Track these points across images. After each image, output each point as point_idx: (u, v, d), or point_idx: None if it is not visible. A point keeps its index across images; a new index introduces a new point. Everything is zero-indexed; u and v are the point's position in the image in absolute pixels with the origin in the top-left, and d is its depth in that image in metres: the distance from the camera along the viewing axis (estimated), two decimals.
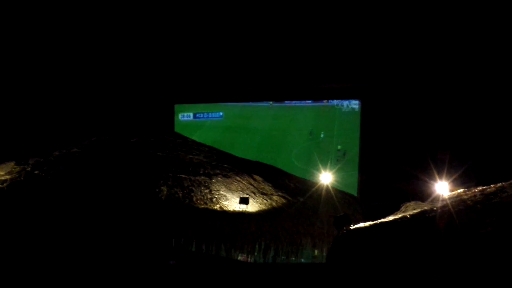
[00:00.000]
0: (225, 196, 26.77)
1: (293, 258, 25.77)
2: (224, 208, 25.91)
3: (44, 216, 22.31)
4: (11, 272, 16.92)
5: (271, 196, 28.04)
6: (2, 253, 18.53)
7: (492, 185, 16.86)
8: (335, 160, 37.81)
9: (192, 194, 26.40)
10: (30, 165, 27.27)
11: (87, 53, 40.40)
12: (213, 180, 27.72)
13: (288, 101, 43.40)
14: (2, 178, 26.05)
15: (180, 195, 26.11)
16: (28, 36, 39.04)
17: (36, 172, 26.77)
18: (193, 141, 32.96)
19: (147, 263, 19.09)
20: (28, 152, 29.20)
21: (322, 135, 41.57)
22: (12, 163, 27.69)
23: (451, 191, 20.36)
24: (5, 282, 16.16)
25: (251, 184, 28.47)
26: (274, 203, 27.49)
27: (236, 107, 43.30)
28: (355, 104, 39.83)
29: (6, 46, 38.23)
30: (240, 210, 25.66)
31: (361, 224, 18.71)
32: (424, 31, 36.11)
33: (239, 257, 24.75)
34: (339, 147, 40.76)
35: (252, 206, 26.36)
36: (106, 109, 39.62)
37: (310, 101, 42.38)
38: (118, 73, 40.97)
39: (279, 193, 28.45)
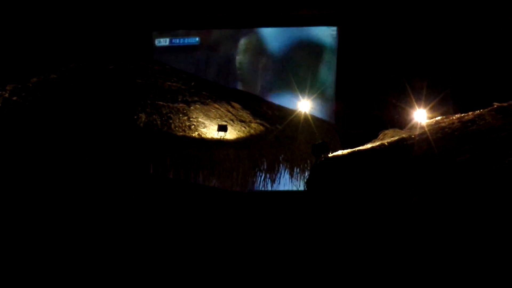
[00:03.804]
0: (203, 123, 26.75)
1: (272, 186, 25.93)
2: (203, 136, 25.91)
3: (23, 143, 22.26)
4: None
5: (250, 123, 28.03)
6: None
7: (470, 113, 16.93)
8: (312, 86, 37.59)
9: (171, 121, 26.35)
10: (7, 91, 27.06)
11: None
12: (192, 108, 27.64)
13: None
14: None
15: (159, 122, 26.06)
16: None
17: (14, 98, 26.60)
18: (172, 67, 32.74)
19: (125, 191, 19.12)
20: (5, 78, 28.96)
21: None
22: None
23: (429, 118, 20.46)
24: None
25: (229, 112, 28.43)
26: (252, 131, 27.50)
27: (212, 32, 42.95)
28: (332, 30, 39.53)
29: None
30: (219, 137, 25.68)
31: (339, 152, 18.82)
32: None
33: (217, 185, 24.83)
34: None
35: (231, 134, 26.37)
36: (84, 36, 39.19)
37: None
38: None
39: (258, 121, 28.43)
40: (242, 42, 41.22)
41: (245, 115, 28.72)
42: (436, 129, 16.77)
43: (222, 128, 25.88)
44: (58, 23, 39.59)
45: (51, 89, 27.80)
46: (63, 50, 36.93)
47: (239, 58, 41.19)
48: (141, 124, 25.63)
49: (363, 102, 35.38)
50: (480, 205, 11.71)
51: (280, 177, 26.33)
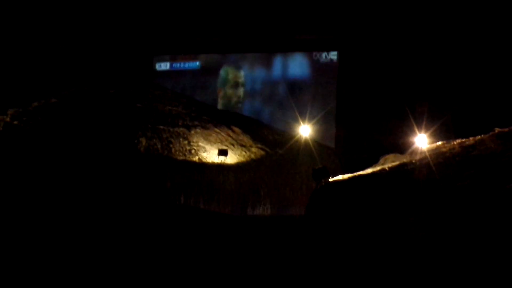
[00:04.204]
0: (204, 147, 26.76)
1: (272, 210, 25.87)
2: (203, 160, 25.92)
3: (23, 167, 22.27)
4: None
5: (250, 148, 28.05)
6: None
7: (471, 138, 16.96)
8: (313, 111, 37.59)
9: (171, 145, 26.37)
10: (9, 116, 27.14)
11: (67, 4, 40.05)
12: (192, 132, 27.67)
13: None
14: None
15: (159, 146, 26.08)
16: None
17: (15, 122, 26.66)
18: (172, 91, 32.87)
19: (126, 215, 19.10)
20: (7, 102, 29.05)
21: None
22: None
23: (430, 143, 20.47)
24: None
25: (230, 136, 28.47)
26: (253, 155, 27.51)
27: (212, 57, 43.06)
28: (333, 55, 39.61)
29: None
30: (219, 162, 25.68)
31: (340, 177, 18.80)
32: None
33: (218, 209, 24.78)
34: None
35: (231, 158, 26.37)
36: (85, 60, 39.35)
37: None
38: (97, 24, 40.67)
39: (258, 145, 28.46)
40: (245, 68, 41.46)
41: (246, 139, 28.75)
42: (436, 154, 16.78)
43: (223, 153, 25.89)
44: (59, 48, 39.76)
45: (52, 114, 27.87)
46: (64, 75, 37.06)
47: (241, 83, 41.40)
48: (142, 149, 25.65)
49: (363, 127, 35.39)
50: (480, 230, 11.70)
51: (280, 202, 26.27)
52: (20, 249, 15.16)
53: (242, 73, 41.69)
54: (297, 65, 40.62)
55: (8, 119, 26.81)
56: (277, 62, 41.18)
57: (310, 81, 40.13)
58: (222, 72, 42.02)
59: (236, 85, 41.75)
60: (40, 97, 29.54)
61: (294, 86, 40.33)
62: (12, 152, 23.83)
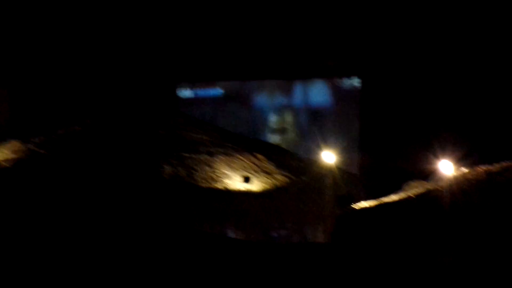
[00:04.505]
0: (227, 175, 26.81)
1: (296, 237, 25.82)
2: (227, 187, 25.96)
3: (49, 195, 22.38)
4: (15, 252, 16.95)
5: (274, 175, 28.06)
6: (6, 231, 18.58)
7: (496, 164, 16.88)
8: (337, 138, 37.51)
9: (195, 172, 26.45)
10: (34, 144, 27.35)
11: (90, 33, 40.35)
12: (216, 159, 27.74)
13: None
14: (8, 156, 26.17)
15: (183, 174, 26.16)
16: (30, 14, 39.03)
17: (41, 150, 26.86)
18: (196, 119, 32.99)
19: (151, 243, 19.13)
20: (32, 130, 29.29)
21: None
22: (17, 142, 27.79)
23: (455, 170, 20.39)
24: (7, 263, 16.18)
25: (253, 163, 28.50)
26: (277, 182, 27.51)
27: (235, 84, 43.12)
28: (355, 81, 39.58)
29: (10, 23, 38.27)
30: (243, 189, 25.70)
31: (364, 204, 18.76)
32: (427, 5, 35.96)
33: (242, 237, 24.77)
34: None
35: (255, 185, 26.40)
36: (108, 88, 39.58)
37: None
38: (121, 52, 40.93)
39: (282, 172, 28.47)
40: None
41: (270, 166, 28.76)
42: (462, 181, 16.71)
43: (247, 180, 25.91)
44: (83, 76, 40.03)
45: (76, 142, 28.06)
46: (88, 102, 37.29)
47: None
48: (166, 176, 25.72)
49: (387, 153, 35.28)
50: (505, 257, 11.66)
51: (305, 229, 26.23)
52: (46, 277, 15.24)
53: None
54: (319, 92, 40.62)
55: (33, 147, 27.02)
56: (298, 89, 41.20)
57: (332, 107, 40.10)
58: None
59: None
60: (64, 125, 29.76)
61: (316, 113, 40.31)
62: (37, 179, 23.97)
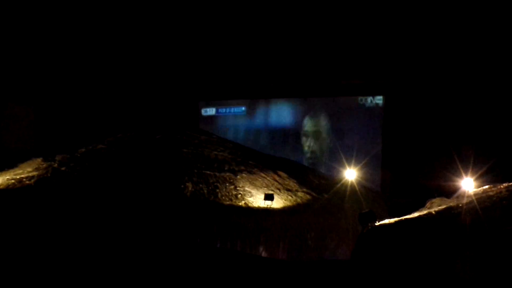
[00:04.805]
0: (250, 192, 26.85)
1: (318, 255, 25.78)
2: (249, 205, 25.98)
3: (71, 213, 22.49)
4: (35, 266, 17.06)
5: (296, 192, 28.08)
6: (27, 247, 18.69)
7: None
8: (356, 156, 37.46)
9: (217, 190, 26.49)
10: (57, 162, 27.55)
11: (112, 50, 40.65)
12: (238, 177, 27.80)
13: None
14: (30, 174, 26.33)
15: (205, 191, 26.21)
16: (56, 27, 39.42)
17: (63, 168, 27.04)
18: (218, 137, 33.11)
19: (173, 260, 19.18)
20: (55, 148, 29.49)
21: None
22: (39, 159, 28.00)
23: (477, 187, 20.33)
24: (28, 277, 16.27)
25: (276, 181, 28.55)
26: (299, 199, 27.52)
27: (258, 102, 43.22)
28: (378, 99, 39.61)
29: (32, 39, 38.65)
30: (265, 206, 25.71)
31: (386, 221, 18.73)
32: (449, 24, 35.97)
33: (264, 254, 24.77)
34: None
35: (277, 203, 26.41)
36: (131, 106, 39.84)
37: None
38: (142, 70, 41.21)
39: (304, 189, 28.49)
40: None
41: (292, 184, 28.79)
42: (483, 198, 16.68)
43: (269, 197, 25.92)
44: (105, 95, 40.33)
45: (99, 160, 28.22)
46: (110, 121, 37.54)
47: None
48: (188, 194, 25.78)
49: (409, 170, 35.23)
50: None
51: (327, 246, 26.20)
52: None
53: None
54: (343, 110, 40.67)
55: (56, 165, 27.21)
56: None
57: (355, 125, 40.12)
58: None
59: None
60: (87, 143, 29.95)
61: (339, 130, 40.36)
62: (60, 198, 24.10)
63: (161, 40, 41.53)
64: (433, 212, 17.60)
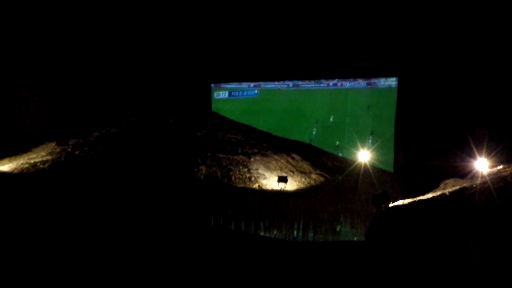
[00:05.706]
0: (263, 175, 26.89)
1: (332, 236, 25.79)
2: (263, 187, 26.02)
3: (85, 195, 22.55)
4: (54, 246, 17.13)
5: (310, 174, 28.11)
6: (44, 229, 18.77)
7: None
8: (369, 139, 37.44)
9: (231, 173, 26.55)
10: (70, 146, 27.65)
11: (126, 36, 40.65)
12: (252, 159, 27.85)
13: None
14: (44, 158, 26.45)
15: (219, 174, 26.28)
16: (70, 13, 39.44)
17: (77, 152, 27.14)
18: (231, 120, 33.16)
19: (187, 242, 19.23)
20: (69, 132, 29.58)
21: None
22: (53, 144, 28.11)
23: (491, 167, 20.25)
24: (50, 260, 16.35)
25: (289, 163, 28.57)
26: (312, 182, 27.54)
27: (270, 85, 43.18)
28: (392, 81, 39.52)
29: (47, 29, 38.68)
30: (279, 188, 25.74)
31: (400, 202, 18.69)
32: (465, 4, 35.80)
33: (278, 236, 24.80)
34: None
35: (291, 185, 26.44)
36: (144, 90, 39.85)
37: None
38: (156, 54, 41.19)
39: (317, 172, 28.52)
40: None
41: (305, 166, 28.81)
42: (497, 178, 16.59)
43: (282, 179, 25.94)
44: (119, 79, 40.34)
45: (113, 143, 28.28)
46: (124, 105, 37.57)
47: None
48: (202, 177, 25.84)
49: (423, 151, 35.14)
50: None
51: (340, 228, 26.20)
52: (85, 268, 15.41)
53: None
54: (356, 91, 40.60)
55: (69, 149, 27.31)
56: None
57: (368, 107, 40.06)
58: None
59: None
60: (100, 127, 30.03)
61: (352, 113, 40.31)
62: (74, 181, 24.18)
63: (174, 24, 41.51)
64: (447, 193, 17.52)
